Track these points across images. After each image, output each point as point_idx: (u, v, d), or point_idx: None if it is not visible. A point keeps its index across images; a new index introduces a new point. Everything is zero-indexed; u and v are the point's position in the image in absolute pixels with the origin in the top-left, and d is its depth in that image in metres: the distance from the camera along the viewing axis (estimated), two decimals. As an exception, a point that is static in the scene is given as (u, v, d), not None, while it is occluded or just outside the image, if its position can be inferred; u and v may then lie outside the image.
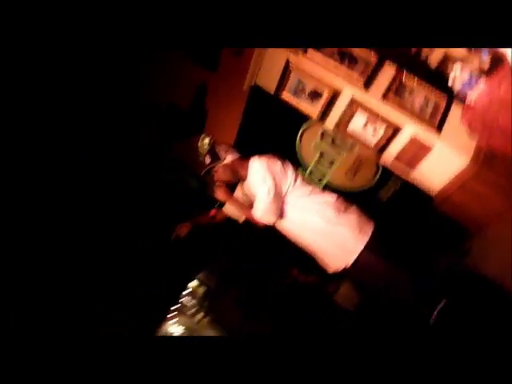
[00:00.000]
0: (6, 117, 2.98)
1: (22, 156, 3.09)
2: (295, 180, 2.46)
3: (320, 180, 3.39)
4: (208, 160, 2.42)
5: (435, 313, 2.14)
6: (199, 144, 2.46)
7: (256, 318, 4.36)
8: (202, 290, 5.40)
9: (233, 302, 5.37)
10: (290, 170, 2.45)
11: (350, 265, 2.40)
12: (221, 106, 3.22)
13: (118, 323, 2.93)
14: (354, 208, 2.50)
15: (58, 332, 2.19)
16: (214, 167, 2.43)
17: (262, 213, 2.38)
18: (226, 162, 2.43)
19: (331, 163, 3.27)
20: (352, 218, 2.43)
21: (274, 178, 2.35)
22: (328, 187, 3.34)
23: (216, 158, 2.42)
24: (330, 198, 2.49)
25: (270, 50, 2.67)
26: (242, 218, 2.73)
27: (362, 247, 2.37)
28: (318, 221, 2.41)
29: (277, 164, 2.41)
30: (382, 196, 3.29)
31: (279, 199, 2.39)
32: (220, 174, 2.46)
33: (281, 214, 2.44)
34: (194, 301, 5.26)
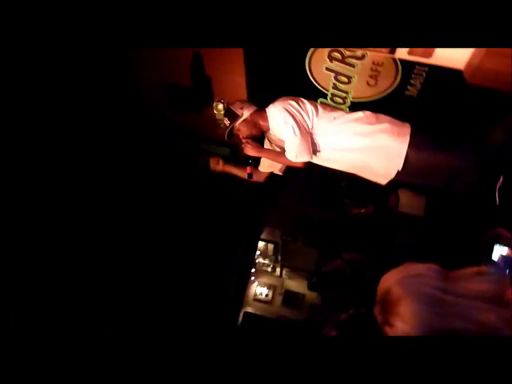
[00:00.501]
0: (6, 117, 3.02)
1: (22, 156, 3.14)
2: (316, 111, 2.41)
3: (344, 100, 3.30)
4: (227, 122, 2.42)
5: (496, 192, 2.04)
6: (215, 111, 2.46)
7: (329, 252, 4.43)
8: (270, 247, 5.57)
9: (303, 246, 5.49)
10: (306, 103, 2.41)
11: (400, 168, 2.36)
12: (220, 66, 3.13)
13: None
14: (384, 116, 2.44)
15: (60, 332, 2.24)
16: (234, 127, 2.43)
17: (295, 154, 2.36)
18: (244, 117, 2.42)
19: (349, 79, 3.16)
20: (386, 125, 2.37)
21: (294, 117, 2.32)
22: (356, 105, 3.25)
23: (234, 117, 2.41)
24: (357, 114, 2.44)
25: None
26: (278, 168, 2.71)
27: (405, 147, 2.31)
28: (353, 139, 2.37)
29: (292, 103, 2.37)
30: (412, 92, 3.14)
31: (307, 135, 2.36)
32: (243, 131, 2.45)
33: (315, 149, 2.42)
34: (266, 259, 5.43)
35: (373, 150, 2.38)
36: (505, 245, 1.54)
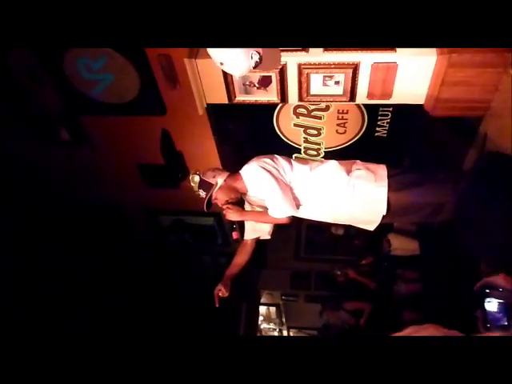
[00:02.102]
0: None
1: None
2: (291, 165, 2.40)
3: (318, 152, 3.35)
4: (203, 193, 2.38)
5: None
6: (192, 184, 2.42)
7: (332, 308, 4.35)
8: (273, 311, 5.38)
9: (305, 304, 5.36)
10: (280, 159, 2.40)
11: (385, 212, 2.32)
12: (189, 140, 3.19)
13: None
14: (360, 163, 2.43)
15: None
16: (211, 196, 2.39)
17: (278, 210, 2.31)
18: (218, 185, 2.38)
19: (319, 131, 3.23)
20: (362, 171, 2.36)
21: (271, 172, 2.29)
22: (330, 153, 3.30)
23: (208, 187, 2.37)
24: (333, 163, 2.43)
25: (202, 66, 2.63)
26: (266, 231, 2.64)
27: (385, 191, 2.29)
28: (333, 188, 2.34)
29: (266, 160, 2.35)
30: (382, 133, 3.20)
31: (287, 189, 2.32)
32: (220, 198, 2.40)
33: (297, 203, 2.38)
34: (271, 324, 5.21)
35: (353, 198, 2.34)
36: (495, 296, 1.44)
